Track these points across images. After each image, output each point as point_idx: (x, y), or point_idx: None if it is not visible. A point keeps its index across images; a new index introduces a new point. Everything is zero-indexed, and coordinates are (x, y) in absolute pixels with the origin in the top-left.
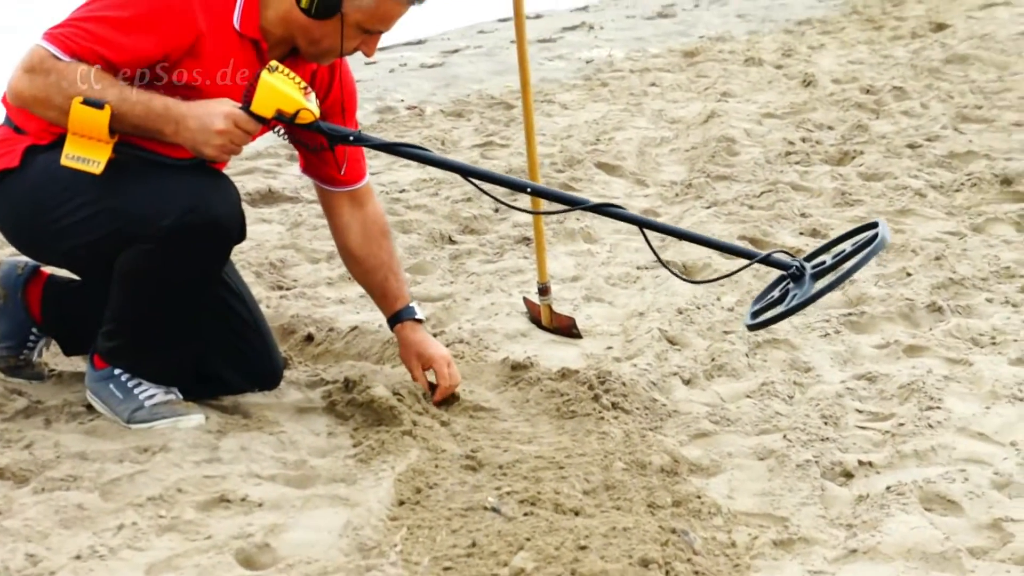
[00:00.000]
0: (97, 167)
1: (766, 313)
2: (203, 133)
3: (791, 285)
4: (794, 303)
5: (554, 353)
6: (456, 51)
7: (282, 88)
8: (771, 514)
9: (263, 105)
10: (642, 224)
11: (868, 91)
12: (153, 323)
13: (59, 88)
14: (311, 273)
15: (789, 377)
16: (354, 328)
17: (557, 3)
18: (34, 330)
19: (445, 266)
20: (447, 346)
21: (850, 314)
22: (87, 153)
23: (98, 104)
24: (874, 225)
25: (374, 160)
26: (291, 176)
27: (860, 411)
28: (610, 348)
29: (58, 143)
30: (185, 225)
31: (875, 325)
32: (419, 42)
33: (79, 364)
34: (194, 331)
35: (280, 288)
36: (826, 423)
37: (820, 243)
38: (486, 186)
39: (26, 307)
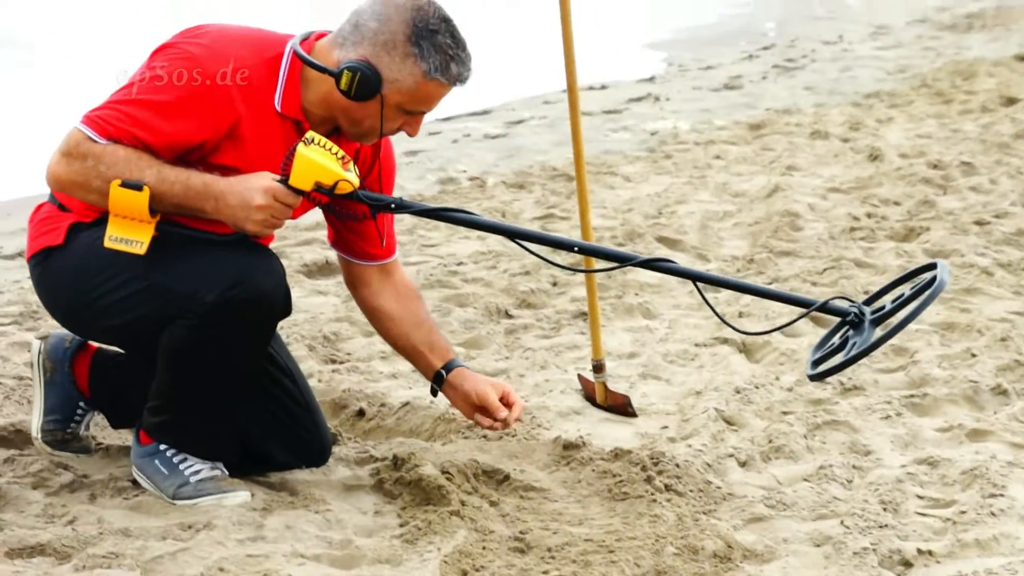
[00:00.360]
0: (140, 247)
1: (827, 362)
2: (243, 209)
3: (851, 332)
4: (855, 352)
5: (608, 432)
6: (520, 122)
7: (319, 160)
8: None
9: (301, 178)
10: (694, 277)
11: (936, 166)
12: (198, 399)
13: (96, 172)
14: (365, 347)
15: (848, 460)
16: (406, 404)
17: (624, 74)
18: (81, 403)
19: (500, 340)
20: None
21: (912, 396)
22: (130, 234)
23: (136, 186)
24: (933, 267)
25: (433, 232)
26: None
27: (921, 497)
28: (665, 427)
29: (102, 220)
30: (229, 300)
31: (938, 408)
32: (484, 112)
33: (126, 437)
34: (241, 407)
35: (333, 361)
36: (885, 509)
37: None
38: (534, 247)
39: (73, 380)
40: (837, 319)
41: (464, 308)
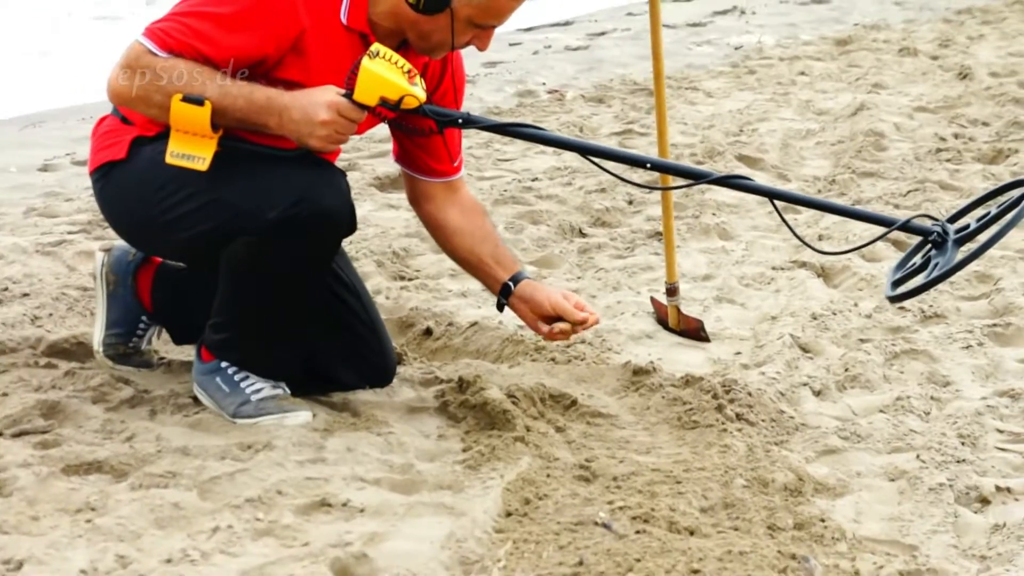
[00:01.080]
0: (202, 163)
1: (908, 283)
2: (307, 124)
3: (933, 252)
4: (936, 273)
5: (679, 357)
6: (603, 34)
7: (384, 74)
8: (899, 541)
9: (365, 93)
10: (771, 195)
11: None
12: (261, 317)
13: (157, 86)
14: (434, 263)
15: (926, 392)
16: (474, 324)
17: None
18: (144, 318)
19: (573, 260)
20: (568, 347)
21: (995, 325)
22: (191, 149)
23: (198, 101)
24: (1021, 183)
25: (508, 147)
26: None
27: (1001, 431)
28: (738, 354)
29: (165, 134)
30: (292, 217)
31: (1022, 338)
32: (566, 23)
33: (189, 352)
34: (304, 325)
35: (401, 278)
36: (963, 443)
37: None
38: (607, 164)
39: (136, 294)
40: (919, 239)
41: (537, 225)
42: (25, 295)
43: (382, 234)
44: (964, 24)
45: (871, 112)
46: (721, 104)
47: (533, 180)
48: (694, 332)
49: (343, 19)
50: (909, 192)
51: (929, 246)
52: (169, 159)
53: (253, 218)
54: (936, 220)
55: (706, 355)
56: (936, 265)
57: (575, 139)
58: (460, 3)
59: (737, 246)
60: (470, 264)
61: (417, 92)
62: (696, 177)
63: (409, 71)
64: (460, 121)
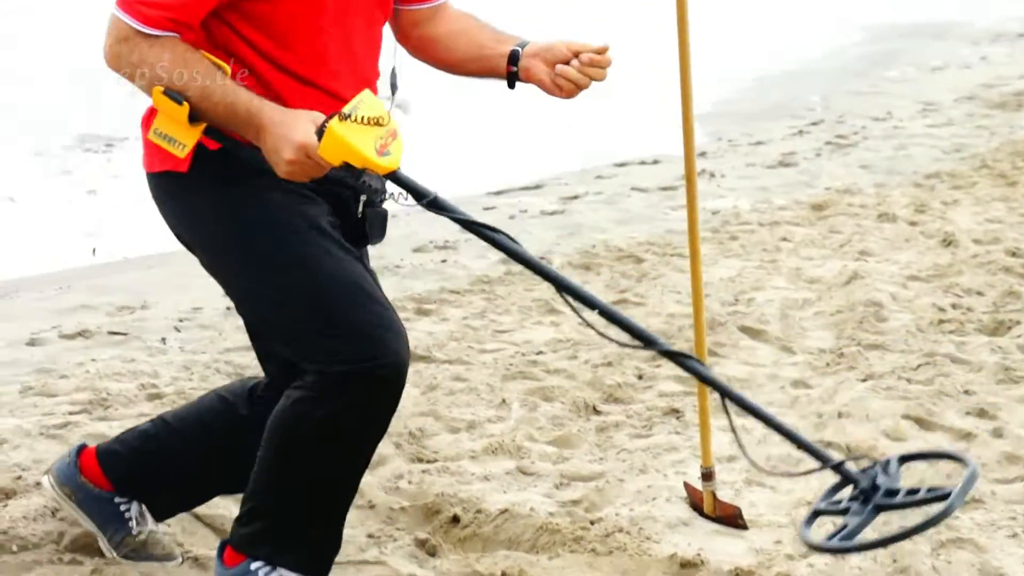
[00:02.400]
0: (182, 150)
1: (820, 528)
2: (275, 155)
3: (853, 504)
4: (840, 541)
5: (721, 547)
6: (576, 197)
7: (350, 140)
8: None
9: (329, 153)
10: (721, 391)
11: (1014, 254)
12: (306, 496)
13: (140, 72)
14: (452, 444)
15: None
16: (504, 511)
17: (673, 147)
18: (116, 499)
19: (592, 439)
20: (607, 536)
21: None
22: (174, 133)
23: (177, 99)
24: (962, 461)
25: (503, 317)
26: (422, 333)
27: None
28: (779, 543)
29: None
30: (365, 372)
31: None
32: (536, 187)
33: (214, 544)
34: (348, 505)
35: (421, 460)
36: None
37: (987, 426)
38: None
39: (95, 485)
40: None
41: (551, 403)
42: (38, 484)
43: (395, 415)
44: (935, 189)
45: (865, 281)
46: (710, 271)
47: (538, 354)
48: (731, 519)
49: None
50: (920, 366)
51: (852, 494)
52: (151, 136)
53: (316, 356)
54: (874, 465)
55: (747, 544)
56: (846, 528)
57: (539, 262)
58: None
59: (756, 424)
60: (471, 58)
61: (384, 163)
62: (647, 343)
63: (384, 137)
64: (428, 200)
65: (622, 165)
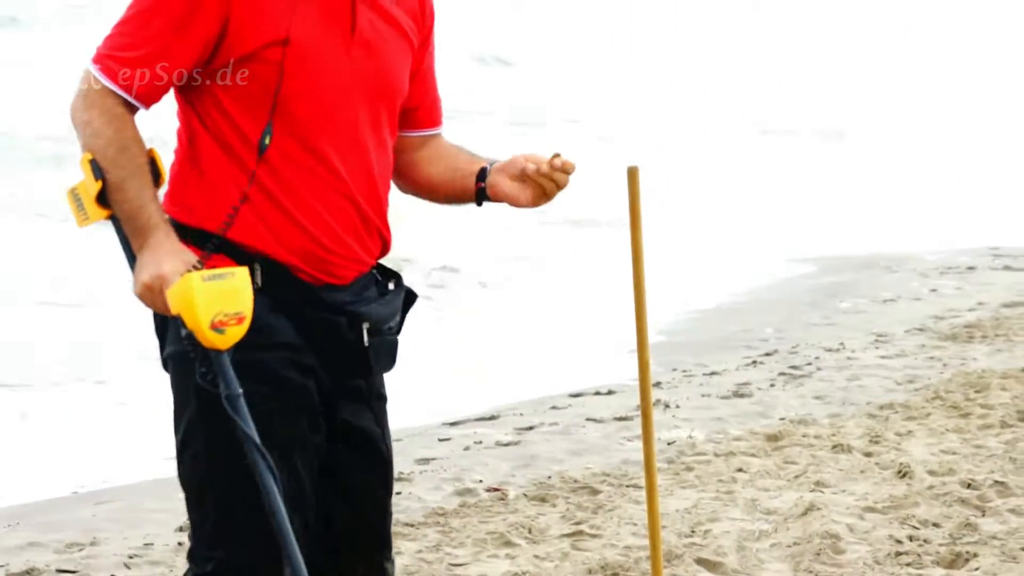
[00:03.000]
0: (84, 220)
1: None
2: (138, 272)
3: None
4: None
5: None
6: (531, 428)
7: (195, 299)
8: None
9: (174, 298)
10: None
11: (969, 485)
12: None
13: (84, 132)
14: None
15: None
16: None
17: (626, 376)
18: None
19: None
20: None
21: None
22: (86, 202)
23: (97, 173)
24: None
25: (458, 550)
26: None
27: None
28: None
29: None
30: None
31: None
32: (492, 418)
33: None
34: None
35: None
36: None
37: None
38: None
39: None
40: None
41: None
42: None
43: None
44: (890, 420)
45: (821, 512)
46: (666, 502)
47: None
48: None
49: None
50: None
51: None
52: (67, 192)
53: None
54: None
55: None
56: None
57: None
58: None
59: None
60: (446, 180)
61: (211, 336)
62: None
63: (229, 316)
64: (226, 394)
65: (577, 395)
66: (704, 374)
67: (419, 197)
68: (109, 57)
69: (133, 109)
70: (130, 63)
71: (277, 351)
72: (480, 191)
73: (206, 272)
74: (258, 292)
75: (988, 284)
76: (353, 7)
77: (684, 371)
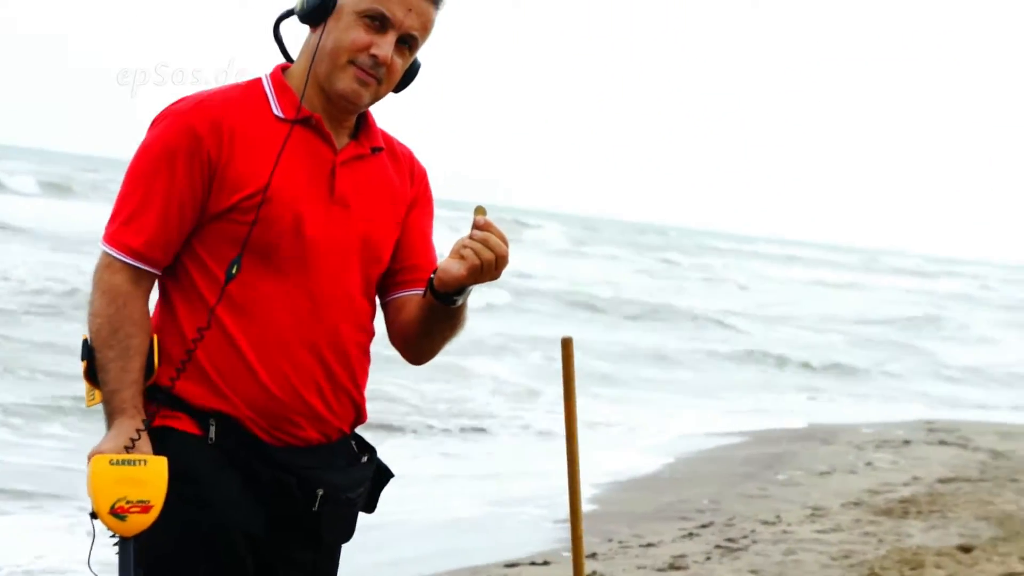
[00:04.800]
0: (91, 400)
1: None
2: (99, 444)
3: None
4: None
5: None
6: None
7: (94, 482)
8: None
9: (88, 477)
10: None
11: None
12: None
13: (90, 303)
14: None
15: None
16: None
17: (564, 548)
18: None
19: None
20: None
21: None
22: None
23: (83, 354)
24: None
25: None
26: None
27: None
28: None
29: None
30: None
31: None
32: None
33: None
34: None
35: None
36: None
37: None
38: None
39: None
40: None
41: None
42: None
43: None
44: None
45: None
46: None
47: None
48: None
49: (277, 113)
50: None
51: None
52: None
53: None
54: None
55: None
56: None
57: None
58: None
59: None
60: (417, 304)
61: (110, 521)
62: None
63: (133, 503)
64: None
65: (512, 566)
66: (640, 545)
67: (422, 354)
68: (112, 231)
69: (144, 280)
70: (130, 230)
71: (215, 510)
72: (429, 282)
73: (116, 456)
74: (211, 446)
75: (923, 458)
76: (332, 170)
77: (620, 542)
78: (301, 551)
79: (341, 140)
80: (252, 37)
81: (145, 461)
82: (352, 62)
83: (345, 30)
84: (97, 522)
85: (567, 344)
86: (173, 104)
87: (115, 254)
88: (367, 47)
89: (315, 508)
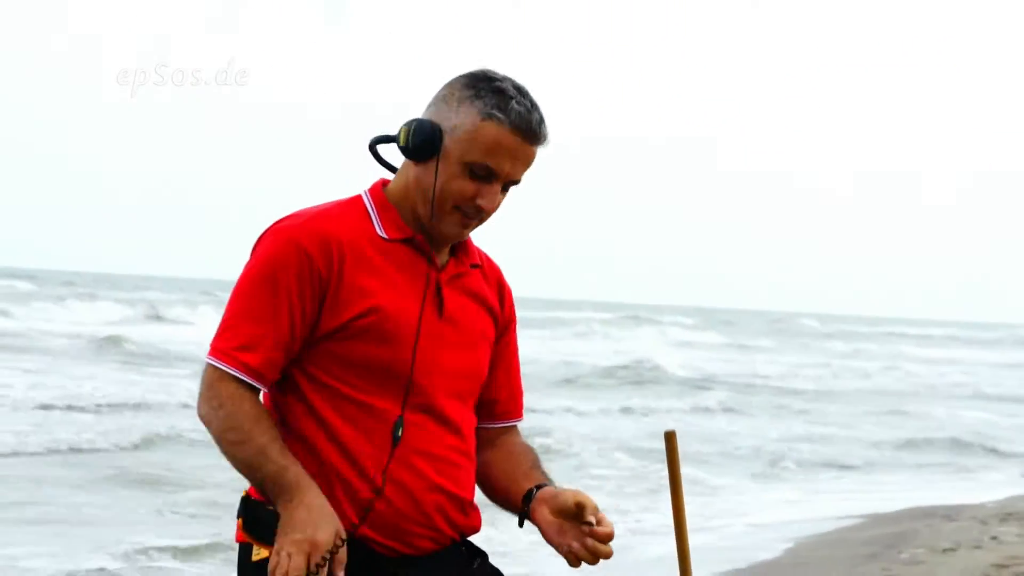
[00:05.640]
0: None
1: None
2: (288, 528)
3: None
4: None
5: None
6: None
7: None
8: None
9: None
10: None
11: None
12: None
13: (218, 415)
14: None
15: None
16: None
17: None
18: None
19: None
20: None
21: None
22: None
23: (239, 512)
24: None
25: None
26: None
27: None
28: None
29: None
30: None
31: None
32: None
33: None
34: None
35: None
36: None
37: None
38: None
39: None
40: None
41: None
42: None
43: None
44: None
45: None
46: None
47: None
48: None
49: (381, 233)
50: None
51: None
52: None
53: None
54: None
55: None
56: None
57: None
58: (450, 140)
59: None
60: (502, 488)
61: None
62: None
63: None
64: None
65: None
66: None
67: (486, 496)
68: (223, 347)
69: (255, 391)
70: (242, 348)
71: None
72: (522, 514)
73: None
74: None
75: None
76: (438, 289)
77: None
78: None
79: (442, 257)
80: (252, 37)
81: None
82: (457, 208)
83: (451, 179)
84: None
85: (671, 438)
86: (278, 222)
87: (230, 370)
88: (473, 197)
89: None
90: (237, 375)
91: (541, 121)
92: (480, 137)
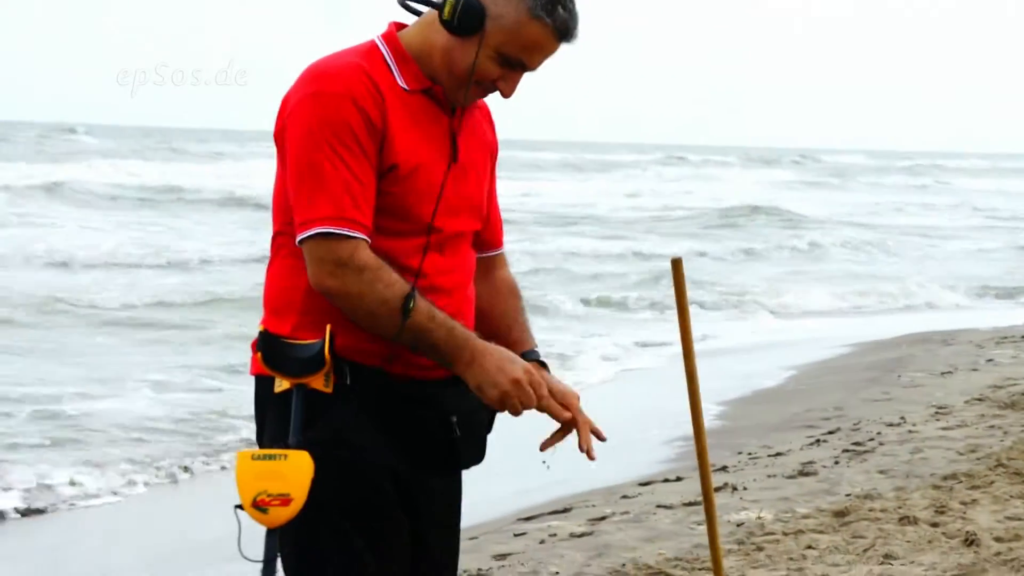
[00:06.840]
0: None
1: None
2: (500, 373)
3: None
4: None
5: None
6: (603, 518)
7: (238, 475)
8: None
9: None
10: None
11: None
12: None
13: (371, 284)
14: None
15: None
16: None
17: (694, 463)
18: None
19: None
20: None
21: None
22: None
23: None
24: None
25: None
26: None
27: None
28: None
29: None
30: None
31: None
32: (564, 510)
33: None
34: None
35: None
36: None
37: None
38: None
39: None
40: None
41: None
42: None
43: None
44: (954, 490)
45: None
46: None
47: None
48: None
49: (401, 84)
50: None
51: None
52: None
53: None
54: None
55: None
56: None
57: None
58: (492, 26)
59: None
60: (492, 334)
61: (252, 513)
62: None
63: (275, 496)
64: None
65: (646, 484)
66: (769, 455)
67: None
68: (327, 215)
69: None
70: (349, 207)
71: (365, 452)
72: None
73: (258, 451)
74: (348, 392)
75: None
76: (454, 136)
77: (749, 454)
78: (438, 479)
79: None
80: (252, 37)
81: (286, 456)
82: (478, 83)
83: (482, 60)
84: (243, 513)
85: (677, 264)
86: (315, 78)
87: (349, 233)
88: (495, 79)
89: (456, 434)
90: (354, 235)
91: (577, 24)
92: (524, 33)
